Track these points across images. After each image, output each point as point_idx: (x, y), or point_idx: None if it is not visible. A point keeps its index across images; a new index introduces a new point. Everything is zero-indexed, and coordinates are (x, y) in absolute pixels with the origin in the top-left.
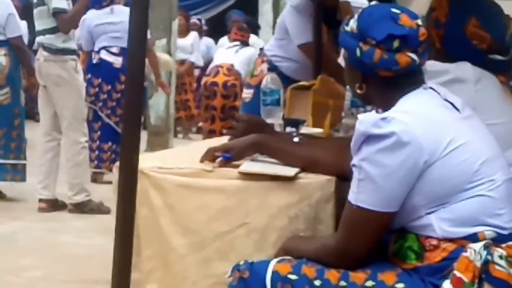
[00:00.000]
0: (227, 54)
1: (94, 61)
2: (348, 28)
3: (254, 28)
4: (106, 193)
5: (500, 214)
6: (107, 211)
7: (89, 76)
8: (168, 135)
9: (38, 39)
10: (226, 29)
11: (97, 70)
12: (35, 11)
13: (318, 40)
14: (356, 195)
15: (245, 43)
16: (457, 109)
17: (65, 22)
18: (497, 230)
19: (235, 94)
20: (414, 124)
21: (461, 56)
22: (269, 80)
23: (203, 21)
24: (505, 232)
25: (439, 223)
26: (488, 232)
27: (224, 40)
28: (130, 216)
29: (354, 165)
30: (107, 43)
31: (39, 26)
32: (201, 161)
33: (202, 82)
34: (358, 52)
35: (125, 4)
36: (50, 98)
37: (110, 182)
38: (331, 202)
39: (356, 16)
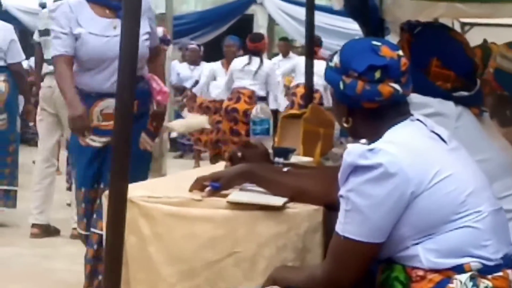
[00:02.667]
0: (247, 75)
1: None
2: (332, 64)
3: None
4: None
5: (486, 246)
6: None
7: None
8: (162, 160)
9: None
10: (221, 54)
11: None
12: (42, 39)
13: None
14: (343, 226)
15: (259, 54)
16: (444, 141)
17: None
18: (483, 261)
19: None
20: (401, 155)
21: None
22: (258, 110)
23: (201, 47)
24: (491, 264)
25: (425, 254)
26: (474, 263)
27: (218, 65)
28: (119, 245)
29: (341, 196)
30: None
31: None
32: (190, 190)
33: (224, 105)
34: (341, 86)
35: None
36: (59, 125)
37: None
38: (319, 232)
39: (338, 51)
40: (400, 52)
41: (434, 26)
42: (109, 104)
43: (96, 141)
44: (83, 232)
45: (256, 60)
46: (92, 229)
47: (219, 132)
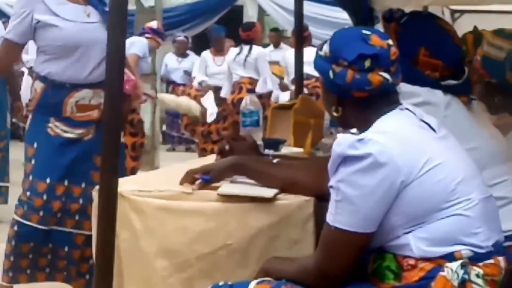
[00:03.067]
0: (238, 64)
1: None
2: (321, 53)
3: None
4: None
5: (476, 233)
6: None
7: None
8: (154, 153)
9: None
10: (209, 45)
11: None
12: None
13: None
14: (334, 216)
15: (250, 42)
16: (433, 129)
17: None
18: (474, 249)
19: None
20: (390, 144)
21: None
22: (248, 102)
23: (189, 39)
24: (481, 251)
25: (416, 243)
26: (465, 251)
27: (206, 54)
28: (110, 239)
29: (331, 187)
30: None
31: None
32: (181, 183)
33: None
34: (331, 75)
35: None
36: None
37: None
38: (310, 222)
39: (328, 40)
40: (390, 41)
41: (421, 15)
42: (85, 95)
43: (68, 132)
44: (40, 226)
45: (245, 49)
46: (76, 230)
47: (211, 125)
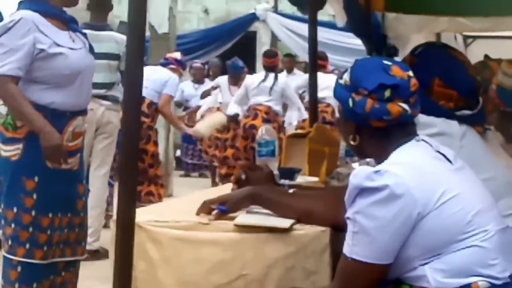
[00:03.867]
0: (263, 91)
1: None
2: (342, 81)
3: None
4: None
5: (493, 265)
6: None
7: None
8: (168, 179)
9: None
10: (225, 71)
11: None
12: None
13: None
14: (351, 248)
15: (274, 70)
16: (449, 161)
17: None
18: (490, 280)
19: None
20: (407, 176)
21: None
22: (264, 132)
23: (206, 66)
24: (498, 282)
25: (433, 274)
26: (482, 282)
27: (224, 81)
28: (128, 270)
29: (348, 218)
30: None
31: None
32: (197, 213)
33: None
34: (350, 103)
35: None
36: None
37: None
38: (326, 253)
39: (349, 68)
40: (410, 73)
41: (436, 46)
42: (79, 122)
43: (64, 163)
44: (42, 262)
45: (271, 76)
46: (61, 259)
47: (227, 149)
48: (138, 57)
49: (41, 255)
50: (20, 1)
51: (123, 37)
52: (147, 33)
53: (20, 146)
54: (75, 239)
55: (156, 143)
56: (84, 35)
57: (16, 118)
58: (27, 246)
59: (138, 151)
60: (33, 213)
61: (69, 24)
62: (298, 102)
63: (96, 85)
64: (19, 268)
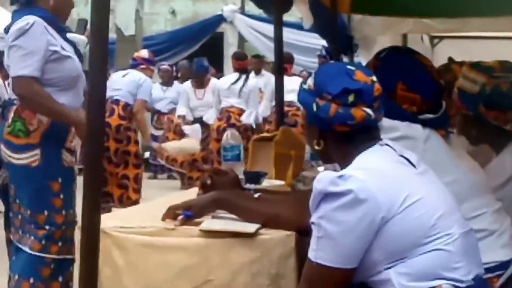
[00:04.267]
0: (233, 93)
1: None
2: (306, 86)
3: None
4: None
5: (457, 268)
6: None
7: None
8: None
9: None
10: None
11: None
12: None
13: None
14: (316, 252)
15: (245, 72)
16: (413, 165)
17: None
18: (454, 283)
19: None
20: (370, 181)
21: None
22: (229, 136)
23: (174, 67)
24: (462, 285)
25: (397, 278)
26: (446, 285)
27: (188, 86)
28: (93, 276)
29: (313, 223)
30: None
31: None
32: (163, 219)
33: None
34: (314, 108)
35: None
36: None
37: None
38: (292, 257)
39: (313, 73)
40: (374, 78)
41: (399, 50)
42: None
43: (73, 162)
44: (71, 256)
45: (242, 78)
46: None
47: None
48: (102, 59)
49: (72, 250)
50: (15, 10)
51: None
52: (114, 36)
53: (38, 151)
54: None
55: (137, 142)
56: (72, 43)
57: (48, 116)
58: (60, 243)
59: (102, 155)
60: (64, 212)
61: (61, 32)
62: (254, 106)
63: None
64: (53, 265)
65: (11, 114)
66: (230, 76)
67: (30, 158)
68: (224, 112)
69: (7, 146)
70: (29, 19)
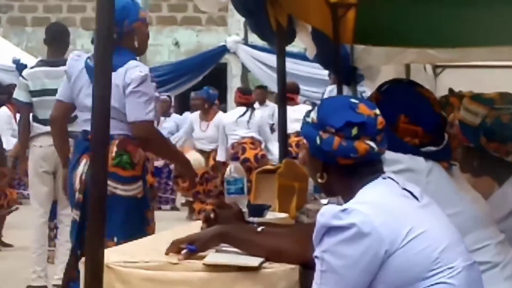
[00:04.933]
0: (240, 126)
1: None
2: (309, 119)
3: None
4: None
5: None
6: None
7: None
8: None
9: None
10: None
11: None
12: (37, 99)
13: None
14: (319, 286)
15: (251, 106)
16: (416, 198)
17: None
18: None
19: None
20: (373, 215)
21: None
22: (232, 170)
23: (172, 98)
24: None
25: None
26: None
27: (195, 117)
28: None
29: (316, 257)
30: None
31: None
32: (167, 253)
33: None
34: (318, 141)
35: None
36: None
37: None
38: None
39: (316, 107)
40: (377, 111)
41: (401, 83)
42: None
43: None
44: None
45: (248, 111)
46: None
47: (202, 184)
48: (105, 89)
49: None
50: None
51: None
52: None
53: (141, 183)
54: None
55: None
56: None
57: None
58: None
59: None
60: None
61: None
62: (269, 138)
63: (42, 121)
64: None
65: (114, 148)
66: (235, 110)
67: (136, 189)
68: (237, 146)
69: (113, 178)
70: (140, 66)
